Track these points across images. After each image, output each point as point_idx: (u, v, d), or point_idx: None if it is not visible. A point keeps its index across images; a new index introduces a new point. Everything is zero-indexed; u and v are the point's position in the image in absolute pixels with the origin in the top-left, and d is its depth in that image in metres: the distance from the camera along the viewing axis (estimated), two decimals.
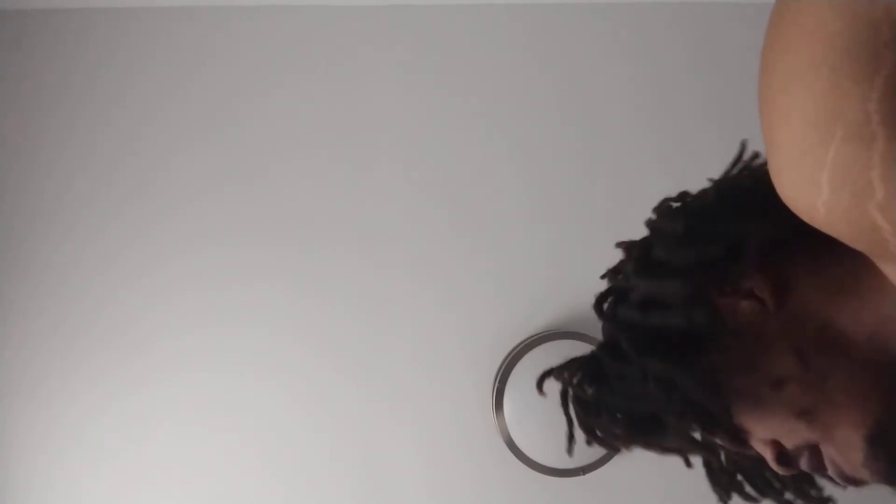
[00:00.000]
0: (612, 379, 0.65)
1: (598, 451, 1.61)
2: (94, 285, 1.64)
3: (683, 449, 0.64)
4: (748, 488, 0.72)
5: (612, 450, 0.68)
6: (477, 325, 1.67)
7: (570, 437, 0.72)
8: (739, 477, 0.72)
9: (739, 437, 0.60)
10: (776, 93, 0.42)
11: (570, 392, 0.69)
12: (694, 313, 0.58)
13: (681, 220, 0.61)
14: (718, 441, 0.64)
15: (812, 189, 0.42)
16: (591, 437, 0.68)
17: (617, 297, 0.68)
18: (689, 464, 0.71)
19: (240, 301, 1.65)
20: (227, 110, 1.70)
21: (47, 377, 1.62)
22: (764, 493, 0.71)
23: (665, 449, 0.65)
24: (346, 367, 1.65)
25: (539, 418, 1.60)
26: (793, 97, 0.40)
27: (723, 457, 0.73)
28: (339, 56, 1.73)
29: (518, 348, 1.62)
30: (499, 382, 1.62)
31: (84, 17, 1.70)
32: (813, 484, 0.70)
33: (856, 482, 0.58)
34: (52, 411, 1.61)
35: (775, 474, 0.70)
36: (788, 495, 0.70)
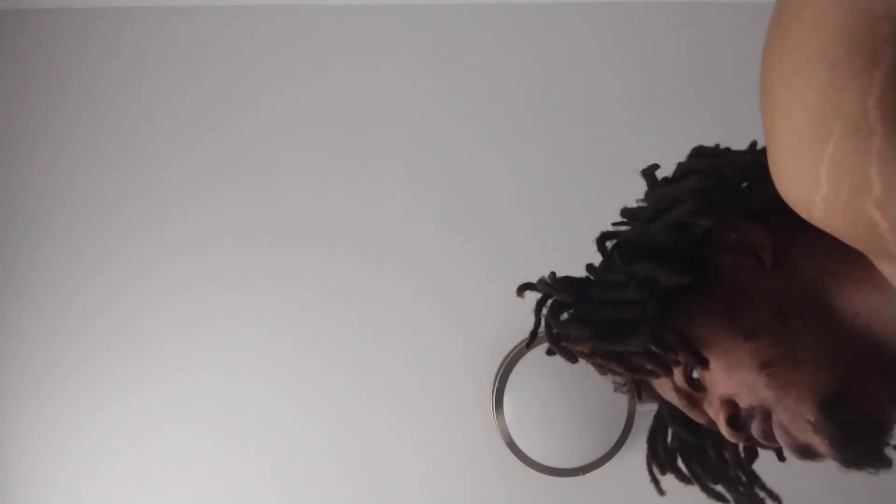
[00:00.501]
0: (593, 289, 0.66)
1: (598, 451, 1.61)
2: (94, 285, 1.64)
3: (639, 370, 0.63)
4: (684, 469, 0.73)
5: (570, 359, 0.67)
6: (477, 325, 1.67)
7: (533, 335, 0.73)
8: (679, 461, 0.73)
9: (700, 362, 0.60)
10: (777, 88, 0.42)
11: (549, 299, 0.70)
12: (698, 218, 0.59)
13: (716, 146, 0.66)
14: (675, 390, 0.65)
15: (810, 184, 0.42)
16: (554, 345, 0.68)
17: (620, 236, 0.69)
18: (639, 396, 0.71)
19: (240, 301, 1.66)
20: (226, 110, 1.71)
21: (47, 377, 1.62)
22: (697, 478, 0.73)
23: (623, 365, 0.64)
24: (347, 367, 1.65)
25: (539, 418, 1.61)
26: (793, 92, 0.41)
27: (669, 435, 0.74)
28: (338, 56, 1.73)
29: (518, 348, 1.62)
30: (499, 382, 1.62)
31: (84, 17, 1.70)
32: (749, 485, 0.71)
33: (804, 451, 0.59)
34: (52, 411, 1.61)
35: (716, 461, 0.71)
36: (718, 486, 0.72)
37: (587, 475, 1.62)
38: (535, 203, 1.71)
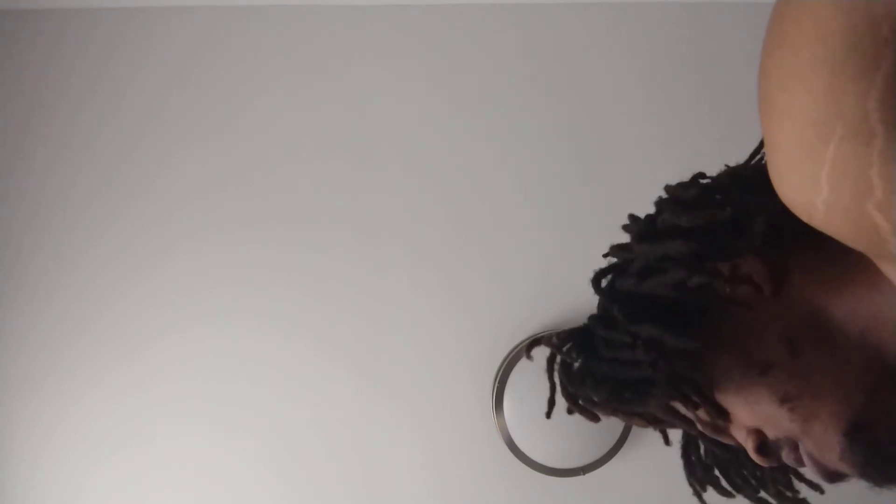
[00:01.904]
0: (600, 347, 0.65)
1: (598, 451, 1.61)
2: (94, 285, 1.64)
3: (663, 421, 0.64)
4: (724, 483, 0.73)
5: (591, 418, 0.68)
6: (477, 325, 1.67)
7: (551, 402, 0.73)
8: (717, 472, 0.73)
9: (720, 415, 0.60)
10: (776, 91, 0.42)
11: (558, 358, 0.70)
12: (691, 278, 0.58)
13: (693, 188, 0.63)
14: (698, 421, 0.64)
15: (812, 187, 0.42)
16: (572, 405, 0.68)
17: (616, 273, 0.68)
18: (667, 441, 0.72)
19: (240, 301, 1.65)
20: (226, 110, 1.70)
21: (47, 377, 1.62)
22: (739, 490, 0.72)
23: (645, 419, 0.64)
24: (347, 367, 1.65)
25: (539, 418, 1.59)
26: (792, 95, 0.40)
27: (702, 450, 0.74)
28: (338, 56, 1.73)
29: (518, 348, 1.62)
30: (499, 382, 1.62)
31: (84, 17, 1.70)
32: (790, 485, 0.71)
33: (835, 476, 0.59)
34: (52, 411, 1.61)
35: (753, 471, 0.71)
36: (763, 494, 0.71)
37: (587, 475, 1.62)
38: (535, 202, 1.71)
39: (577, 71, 1.75)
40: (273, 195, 1.69)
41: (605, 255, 0.69)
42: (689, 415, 0.62)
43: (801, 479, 0.71)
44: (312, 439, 1.64)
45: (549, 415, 0.74)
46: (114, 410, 1.62)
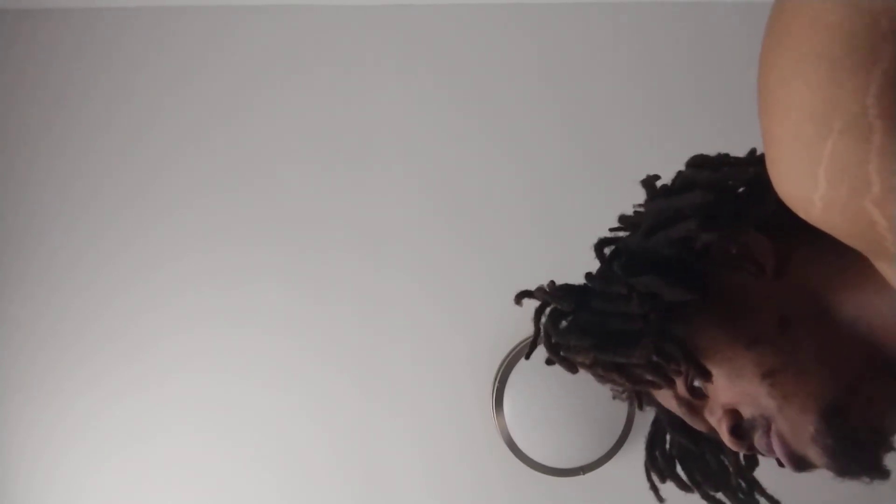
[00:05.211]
0: (594, 300, 0.65)
1: (598, 451, 1.61)
2: (94, 285, 1.64)
3: (641, 381, 0.63)
4: (684, 478, 0.73)
5: (570, 369, 0.67)
6: (477, 325, 1.66)
7: (532, 345, 0.73)
8: (678, 468, 0.73)
9: (703, 375, 0.60)
10: (775, 86, 0.42)
11: (548, 307, 0.70)
12: (701, 234, 0.59)
13: (717, 155, 0.65)
14: (676, 397, 0.64)
15: (809, 183, 0.41)
16: (553, 355, 0.67)
17: (619, 243, 0.68)
18: (640, 406, 0.72)
19: (240, 302, 1.65)
20: (226, 110, 1.70)
21: (48, 377, 1.62)
22: (698, 486, 0.72)
23: (624, 376, 0.64)
24: (347, 367, 1.65)
25: (539, 418, 1.60)
26: (791, 90, 0.40)
27: (668, 442, 0.74)
28: (338, 56, 1.73)
29: (518, 348, 1.62)
30: (499, 382, 1.62)
31: (84, 17, 1.70)
32: (749, 494, 0.71)
33: (800, 462, 0.59)
34: (53, 411, 1.61)
35: (716, 470, 0.71)
36: (720, 496, 0.72)
37: (587, 475, 1.62)
38: (535, 203, 1.71)
39: (577, 71, 1.75)
40: (273, 195, 1.69)
41: (612, 230, 0.70)
42: (671, 375, 0.62)
43: (763, 492, 0.72)
44: (312, 439, 1.64)
45: (528, 356, 0.75)
46: (114, 410, 1.62)
